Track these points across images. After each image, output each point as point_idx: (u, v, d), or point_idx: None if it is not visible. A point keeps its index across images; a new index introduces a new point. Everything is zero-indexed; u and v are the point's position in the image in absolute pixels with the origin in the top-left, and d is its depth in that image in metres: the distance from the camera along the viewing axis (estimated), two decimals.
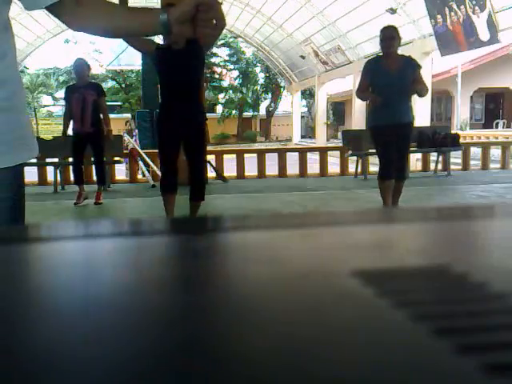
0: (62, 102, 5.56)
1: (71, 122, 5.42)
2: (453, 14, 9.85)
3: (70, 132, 5.50)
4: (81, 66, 5.35)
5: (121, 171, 8.07)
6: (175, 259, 0.42)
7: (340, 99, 26.57)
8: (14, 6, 1.05)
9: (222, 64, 30.44)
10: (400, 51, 4.21)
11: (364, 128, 8.63)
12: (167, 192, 3.75)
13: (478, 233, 0.50)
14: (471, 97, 22.27)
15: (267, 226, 0.52)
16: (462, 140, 8.38)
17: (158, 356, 0.22)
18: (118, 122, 15.62)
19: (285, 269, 0.35)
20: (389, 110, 4.02)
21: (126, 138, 8.17)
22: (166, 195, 3.75)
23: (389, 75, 4.00)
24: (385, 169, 4.24)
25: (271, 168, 8.25)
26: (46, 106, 33.91)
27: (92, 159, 5.65)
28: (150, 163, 7.51)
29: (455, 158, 8.53)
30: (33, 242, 0.47)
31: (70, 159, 6.02)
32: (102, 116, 5.41)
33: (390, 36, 4.01)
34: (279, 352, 0.22)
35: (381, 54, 4.19)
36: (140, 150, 7.83)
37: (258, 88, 30.97)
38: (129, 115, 25.94)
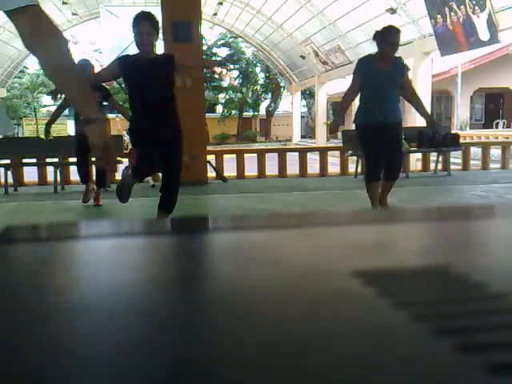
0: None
1: (75, 123, 5.38)
2: (453, 14, 9.84)
3: (73, 133, 5.50)
4: (85, 67, 5.30)
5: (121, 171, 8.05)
6: (174, 259, 0.42)
7: (340, 99, 26.53)
8: None
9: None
10: (400, 51, 4.18)
11: None
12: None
13: (478, 233, 0.50)
14: (471, 97, 22.24)
15: (267, 226, 0.52)
16: (461, 140, 8.37)
17: (156, 355, 0.22)
18: (118, 122, 15.60)
19: (284, 268, 0.35)
20: (378, 108, 3.97)
21: (127, 138, 8.15)
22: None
23: (380, 74, 3.97)
24: (371, 171, 4.14)
25: (271, 168, 8.24)
26: (45, 106, 33.85)
27: (93, 159, 5.63)
28: None
29: (455, 158, 8.52)
30: (32, 241, 0.47)
31: (70, 159, 6.00)
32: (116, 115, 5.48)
33: (393, 42, 3.93)
34: (279, 351, 0.22)
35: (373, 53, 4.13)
36: None
37: (258, 88, 30.93)
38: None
